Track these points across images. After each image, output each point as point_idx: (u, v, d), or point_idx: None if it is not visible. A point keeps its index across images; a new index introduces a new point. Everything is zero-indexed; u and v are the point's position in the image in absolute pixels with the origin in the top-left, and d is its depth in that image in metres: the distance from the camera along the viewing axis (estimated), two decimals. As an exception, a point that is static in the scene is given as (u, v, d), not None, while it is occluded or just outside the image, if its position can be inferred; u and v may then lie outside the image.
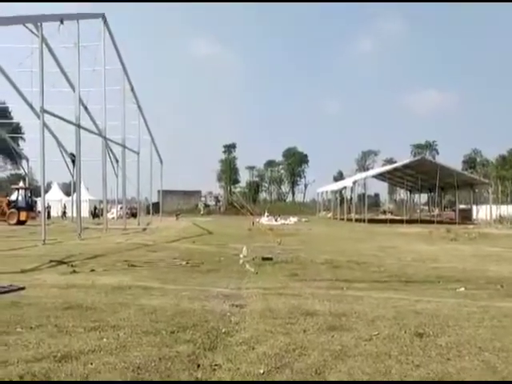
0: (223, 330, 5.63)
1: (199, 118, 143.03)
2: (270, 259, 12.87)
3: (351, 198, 52.99)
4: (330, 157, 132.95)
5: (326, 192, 65.57)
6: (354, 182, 48.51)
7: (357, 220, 44.08)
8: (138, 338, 5.30)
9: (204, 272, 10.84)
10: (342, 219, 50.11)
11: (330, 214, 59.25)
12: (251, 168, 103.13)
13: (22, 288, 8.23)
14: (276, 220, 43.46)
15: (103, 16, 26.32)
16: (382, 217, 55.97)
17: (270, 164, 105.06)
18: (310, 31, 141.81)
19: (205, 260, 12.83)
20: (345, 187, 54.51)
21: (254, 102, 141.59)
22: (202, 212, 68.08)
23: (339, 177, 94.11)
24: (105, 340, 5.19)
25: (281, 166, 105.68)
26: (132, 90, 33.00)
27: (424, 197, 69.00)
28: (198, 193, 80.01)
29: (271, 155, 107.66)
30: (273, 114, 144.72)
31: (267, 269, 11.39)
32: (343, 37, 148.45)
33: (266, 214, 47.27)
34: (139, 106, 35.28)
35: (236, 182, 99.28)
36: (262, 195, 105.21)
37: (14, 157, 51.87)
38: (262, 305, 7.19)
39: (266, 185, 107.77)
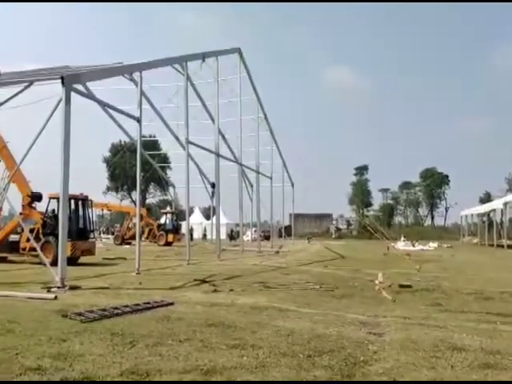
0: (361, 358, 5.44)
1: (329, 141, 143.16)
2: (409, 287, 12.11)
3: (502, 222, 47.36)
4: (474, 177, 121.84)
5: (471, 215, 59.72)
6: (506, 204, 43.41)
7: (509, 246, 39.23)
8: (276, 358, 5.41)
9: (338, 297, 10.65)
10: (491, 245, 45.01)
11: (476, 240, 53.72)
12: (385, 190, 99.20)
13: (172, 303, 9.02)
14: (413, 245, 40.86)
15: (239, 50, 28.30)
16: (541, 243, 48.95)
17: (406, 186, 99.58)
18: (447, 40, 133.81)
19: (338, 284, 12.61)
20: (494, 210, 49.02)
21: (386, 123, 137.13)
22: (333, 235, 67.39)
23: (486, 198, 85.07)
24: (245, 358, 5.39)
25: (418, 188, 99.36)
26: (265, 117, 34.58)
27: None
28: (329, 216, 79.54)
29: (407, 176, 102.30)
30: (407, 134, 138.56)
31: (406, 297, 10.74)
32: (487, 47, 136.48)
33: (402, 238, 44.81)
34: (272, 133, 36.74)
35: (368, 204, 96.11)
36: (397, 219, 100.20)
37: (163, 184, 57.80)
38: (402, 335, 6.79)
39: (402, 208, 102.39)
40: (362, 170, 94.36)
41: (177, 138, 29.91)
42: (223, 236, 45.38)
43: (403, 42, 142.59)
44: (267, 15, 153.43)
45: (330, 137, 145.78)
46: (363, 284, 12.94)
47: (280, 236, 51.81)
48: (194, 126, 24.07)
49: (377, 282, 12.64)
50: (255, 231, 42.29)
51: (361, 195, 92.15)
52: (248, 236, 47.44)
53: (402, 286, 12.16)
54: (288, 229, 53.84)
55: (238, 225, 47.19)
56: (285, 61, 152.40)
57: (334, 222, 78.28)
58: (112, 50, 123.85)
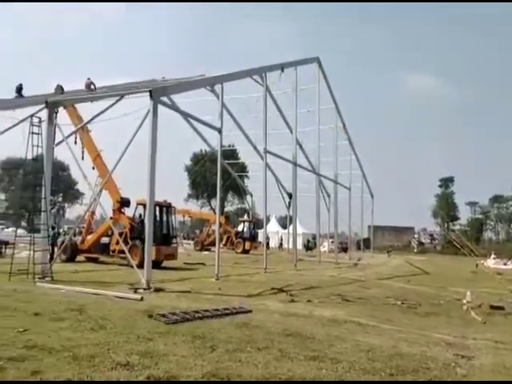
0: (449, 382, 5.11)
1: (411, 152, 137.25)
2: (501, 308, 11.20)
3: None
4: None
5: None
6: None
7: None
8: (356, 374, 5.26)
9: (422, 315, 10.13)
10: None
11: None
12: (473, 204, 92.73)
13: (250, 311, 9.14)
14: (505, 264, 37.72)
15: (318, 60, 28.21)
16: None
17: (497, 199, 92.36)
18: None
19: (422, 302, 11.99)
20: None
21: (473, 134, 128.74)
22: (415, 250, 64.26)
23: None
24: (324, 371, 5.30)
25: (510, 203, 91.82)
26: (344, 127, 34.06)
27: None
28: (410, 229, 75.97)
29: (498, 190, 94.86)
30: (497, 146, 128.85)
31: (498, 319, 9.96)
32: None
33: (493, 256, 41.53)
34: (351, 142, 36.08)
35: (455, 218, 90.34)
36: (487, 235, 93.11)
37: (241, 192, 58.88)
38: (493, 359, 6.30)
39: (492, 223, 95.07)
40: (447, 181, 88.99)
41: (255, 148, 30.41)
42: (299, 246, 45.15)
43: (494, 52, 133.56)
44: (344, 19, 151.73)
45: (411, 147, 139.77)
46: (449, 303, 12.20)
47: (358, 248, 50.45)
48: (272, 135, 24.34)
49: (465, 301, 11.84)
50: (332, 242, 41.56)
51: (446, 208, 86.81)
52: (325, 247, 46.70)
53: (493, 307, 11.27)
54: (367, 241, 52.25)
55: (314, 235, 46.74)
56: (364, 70, 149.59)
57: (416, 236, 74.60)
58: (188, 63, 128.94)
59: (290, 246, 36.37)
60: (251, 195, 45.51)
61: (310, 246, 49.08)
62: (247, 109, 26.80)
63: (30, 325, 6.90)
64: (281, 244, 50.77)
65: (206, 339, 6.52)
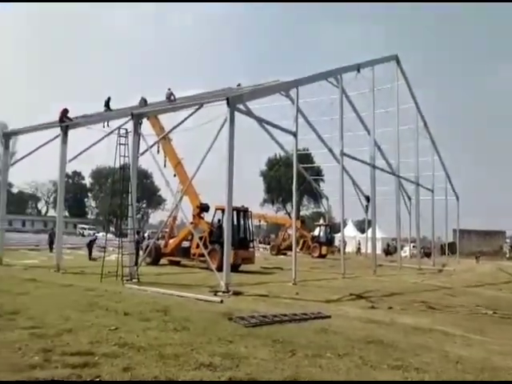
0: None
1: (499, 151, 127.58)
2: None
3: None
4: None
5: None
6: None
7: None
8: (444, 386, 4.98)
9: (517, 325, 9.36)
10: None
11: None
12: None
13: (329, 316, 9.01)
14: None
15: (396, 58, 27.21)
16: None
17: None
18: None
19: (517, 311, 11.07)
20: None
21: None
22: (507, 255, 59.54)
23: None
24: (409, 380, 5.08)
25: None
26: (425, 126, 32.51)
27: None
28: (501, 233, 70.54)
29: None
30: None
31: None
32: None
33: None
34: (433, 142, 34.32)
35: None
36: None
37: (316, 196, 58.38)
38: None
39: None
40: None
41: (330, 151, 30.03)
42: (378, 251, 43.74)
43: None
44: (419, 17, 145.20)
45: (499, 146, 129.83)
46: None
47: (442, 253, 47.78)
48: (348, 138, 23.90)
49: None
50: (414, 247, 39.77)
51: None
52: (406, 252, 44.82)
53: None
54: (452, 246, 49.29)
55: (394, 239, 45.00)
56: (444, 67, 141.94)
57: (508, 241, 69.07)
58: (256, 69, 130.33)
59: (369, 251, 35.38)
60: (327, 199, 44.91)
61: (389, 250, 47.41)
62: (322, 112, 26.54)
63: (120, 324, 7.35)
64: (359, 249, 49.56)
65: (286, 343, 6.53)
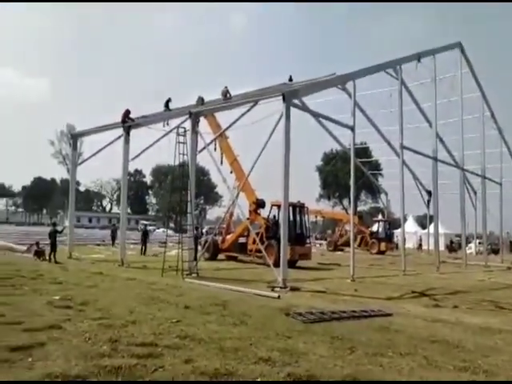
0: None
1: None
2: None
3: None
4: None
5: None
6: None
7: None
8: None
9: None
10: None
11: None
12: None
13: (390, 314, 8.76)
14: None
15: (460, 45, 25.84)
16: None
17: None
18: None
19: None
20: None
21: None
22: None
23: None
24: None
25: None
26: (492, 116, 30.66)
27: None
28: None
29: None
30: None
31: None
32: None
33: None
34: (501, 132, 32.31)
35: None
36: None
37: (374, 191, 56.96)
38: None
39: None
40: None
41: (389, 144, 29.09)
42: (441, 247, 41.95)
43: None
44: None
45: None
46: None
47: (511, 250, 45.06)
48: (408, 130, 23.02)
49: None
50: (480, 243, 37.76)
51: None
52: (471, 248, 42.68)
53: None
54: (522, 242, 46.37)
55: (458, 235, 42.99)
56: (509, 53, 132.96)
57: None
58: (308, 63, 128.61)
59: (431, 247, 34.02)
60: (386, 194, 43.67)
61: (453, 247, 45.38)
62: (380, 104, 25.74)
63: (181, 317, 7.57)
64: (420, 245, 47.85)
65: (345, 340, 6.43)
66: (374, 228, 40.94)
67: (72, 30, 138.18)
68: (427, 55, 22.09)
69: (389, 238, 37.90)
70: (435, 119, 23.28)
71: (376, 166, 57.99)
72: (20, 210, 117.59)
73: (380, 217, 45.75)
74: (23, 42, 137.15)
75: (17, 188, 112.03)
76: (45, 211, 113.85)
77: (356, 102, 18.69)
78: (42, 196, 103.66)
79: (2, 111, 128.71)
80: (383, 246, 36.15)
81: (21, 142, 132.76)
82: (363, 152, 48.48)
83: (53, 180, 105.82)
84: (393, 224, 40.91)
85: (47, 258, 17.83)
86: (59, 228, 20.24)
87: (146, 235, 25.29)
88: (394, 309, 9.47)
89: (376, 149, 43.56)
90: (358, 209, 71.16)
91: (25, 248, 21.67)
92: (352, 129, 16.62)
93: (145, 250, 23.77)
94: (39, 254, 18.52)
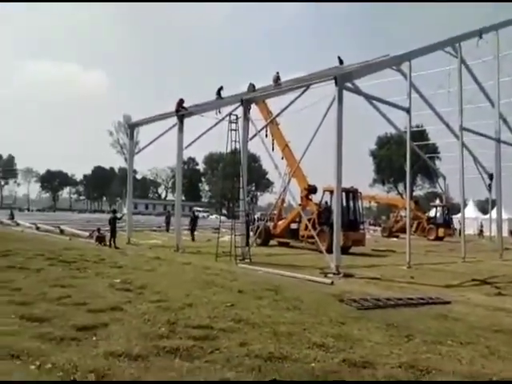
0: None
1: None
2: None
3: None
4: None
5: None
6: None
7: None
8: None
9: None
10: None
11: None
12: None
13: (448, 302, 8.46)
14: None
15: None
16: None
17: None
18: None
19: None
20: None
21: None
22: None
23: None
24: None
25: None
26: None
27: None
28: None
29: None
30: None
31: None
32: None
33: None
34: None
35: None
36: None
37: (431, 175, 54.82)
38: None
39: None
40: None
41: (448, 126, 27.80)
42: (505, 233, 39.81)
43: None
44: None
45: None
46: None
47: None
48: (468, 111, 21.88)
49: None
50: (547, 229, 35.46)
51: None
52: (538, 235, 40.27)
53: None
54: None
55: (523, 221, 40.66)
56: None
57: None
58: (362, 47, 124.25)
59: (493, 234, 32.39)
60: (444, 178, 41.94)
61: (517, 233, 43.01)
62: (437, 84, 24.58)
63: (235, 301, 7.71)
64: (481, 231, 45.71)
65: (401, 328, 6.29)
66: (432, 213, 39.48)
67: (125, 22, 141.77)
68: (489, 31, 20.78)
69: (447, 223, 36.44)
70: (498, 98, 21.98)
71: (433, 150, 55.81)
72: (82, 197, 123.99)
73: (437, 202, 44.01)
74: (82, 36, 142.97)
75: (79, 177, 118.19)
76: (104, 199, 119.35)
77: (412, 82, 17.99)
78: (101, 184, 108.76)
79: (66, 103, 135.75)
80: (441, 231, 34.82)
81: (82, 131, 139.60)
82: (419, 135, 46.72)
83: (111, 169, 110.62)
84: (451, 209, 39.31)
85: (108, 243, 18.71)
86: (118, 215, 21.15)
87: (194, 222, 25.32)
88: (453, 297, 9.13)
89: (433, 131, 41.87)
90: (414, 194, 68.90)
91: (87, 234, 22.83)
92: (408, 111, 16.02)
93: (193, 236, 23.67)
94: (100, 239, 19.45)
